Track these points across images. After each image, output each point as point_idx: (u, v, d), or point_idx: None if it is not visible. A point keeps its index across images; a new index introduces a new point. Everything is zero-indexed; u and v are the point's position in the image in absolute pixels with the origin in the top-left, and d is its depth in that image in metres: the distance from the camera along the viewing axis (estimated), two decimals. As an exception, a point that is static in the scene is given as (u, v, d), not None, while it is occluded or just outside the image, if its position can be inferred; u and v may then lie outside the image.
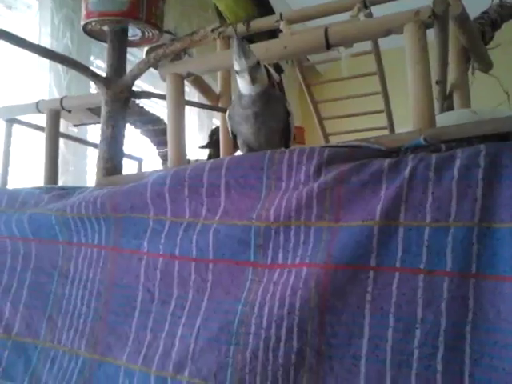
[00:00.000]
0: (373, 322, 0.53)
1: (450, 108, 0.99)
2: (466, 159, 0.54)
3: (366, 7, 1.06)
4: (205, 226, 0.66)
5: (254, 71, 0.69)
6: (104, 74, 0.89)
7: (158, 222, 0.69)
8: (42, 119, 1.14)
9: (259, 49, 0.76)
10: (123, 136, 0.86)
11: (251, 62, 0.68)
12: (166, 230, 0.68)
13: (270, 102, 0.73)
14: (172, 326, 0.63)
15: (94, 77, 0.83)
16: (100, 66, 1.87)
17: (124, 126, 0.86)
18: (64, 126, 1.26)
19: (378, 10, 1.03)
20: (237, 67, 0.69)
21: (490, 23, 1.00)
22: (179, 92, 0.82)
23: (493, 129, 0.57)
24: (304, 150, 0.64)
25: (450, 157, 0.55)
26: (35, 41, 1.63)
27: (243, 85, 0.71)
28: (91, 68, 1.82)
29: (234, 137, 0.80)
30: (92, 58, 1.85)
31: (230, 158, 0.68)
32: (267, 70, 1.15)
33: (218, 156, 1.34)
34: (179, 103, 0.83)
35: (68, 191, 0.81)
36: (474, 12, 0.98)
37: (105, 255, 0.73)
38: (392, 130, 1.36)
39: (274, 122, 0.76)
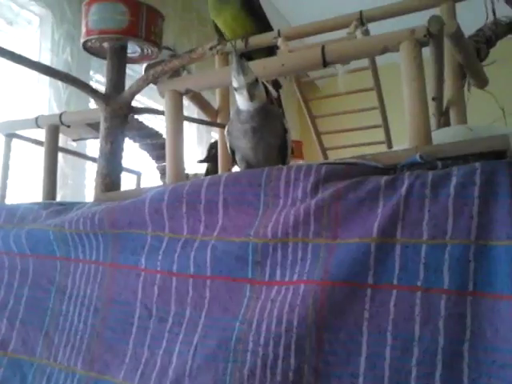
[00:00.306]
0: (370, 340, 0.53)
1: (447, 124, 1.00)
2: (461, 177, 0.55)
3: (362, 24, 1.07)
4: (203, 243, 0.66)
5: (252, 88, 0.70)
6: (103, 89, 0.89)
7: (156, 238, 0.69)
8: (41, 134, 1.15)
9: (257, 66, 0.77)
10: (122, 152, 0.86)
11: (249, 79, 0.70)
12: (163, 246, 0.69)
13: (268, 118, 0.74)
14: (169, 343, 0.63)
15: (94, 93, 0.84)
16: (100, 80, 1.89)
17: (123, 142, 0.86)
18: (63, 140, 1.27)
19: (374, 27, 1.05)
20: (235, 84, 0.70)
21: (485, 40, 1.01)
22: (178, 109, 0.83)
23: (488, 147, 0.57)
24: (301, 167, 0.64)
25: (446, 174, 0.56)
26: (35, 56, 1.65)
27: (241, 101, 0.72)
28: (91, 82, 1.84)
29: (233, 152, 0.80)
30: (91, 73, 1.87)
31: (228, 174, 0.68)
32: (265, 87, 1.16)
33: (217, 170, 1.34)
34: (178, 120, 0.83)
35: (66, 207, 0.81)
36: (469, 29, 1.00)
37: (102, 271, 0.73)
38: (389, 144, 1.37)
39: (271, 138, 0.76)
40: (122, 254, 0.72)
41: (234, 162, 0.83)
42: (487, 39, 1.02)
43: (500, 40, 1.02)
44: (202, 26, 2.41)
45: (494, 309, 0.50)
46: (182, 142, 0.86)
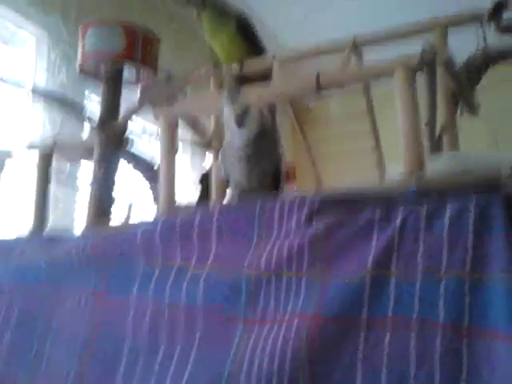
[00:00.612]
0: (365, 380, 0.52)
1: (439, 149, 1.00)
2: (456, 209, 0.55)
3: (356, 49, 1.08)
4: (195, 273, 0.65)
5: (241, 117, 0.71)
6: (99, 109, 0.89)
7: (148, 268, 0.68)
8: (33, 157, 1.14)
9: (252, 93, 0.77)
10: (115, 178, 0.86)
11: (239, 109, 0.70)
12: (155, 276, 0.68)
13: (262, 145, 0.74)
14: (159, 378, 0.62)
15: (88, 119, 0.84)
16: (95, 100, 1.89)
17: (116, 168, 0.86)
18: (55, 163, 1.26)
19: (368, 54, 1.06)
20: (226, 112, 0.71)
21: (477, 68, 1.02)
22: (172, 133, 0.83)
23: (482, 178, 0.57)
24: (295, 199, 0.64)
25: (441, 206, 0.56)
26: (31, 75, 1.65)
27: (233, 129, 0.72)
28: (86, 102, 1.84)
29: (227, 180, 0.80)
30: (87, 92, 1.87)
31: (221, 205, 0.68)
32: (260, 112, 1.17)
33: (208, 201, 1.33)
34: (172, 144, 0.83)
35: (57, 237, 0.80)
36: (460, 56, 1.01)
37: (92, 302, 0.71)
38: (383, 168, 1.38)
39: (266, 164, 0.76)
40: (113, 283, 0.71)
41: (227, 187, 0.83)
42: (478, 66, 1.03)
43: (491, 67, 1.03)
44: (197, 47, 2.42)
45: (490, 346, 0.49)
46: (175, 167, 0.85)
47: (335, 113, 0.89)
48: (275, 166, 0.78)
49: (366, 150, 1.34)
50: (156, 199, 1.57)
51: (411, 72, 0.68)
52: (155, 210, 1.56)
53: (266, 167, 0.76)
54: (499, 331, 0.49)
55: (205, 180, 1.30)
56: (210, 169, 1.18)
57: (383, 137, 1.30)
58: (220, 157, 0.78)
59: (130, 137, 1.20)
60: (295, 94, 0.78)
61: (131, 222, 1.56)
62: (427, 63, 0.70)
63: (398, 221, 0.56)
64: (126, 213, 1.60)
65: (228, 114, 0.70)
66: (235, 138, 0.73)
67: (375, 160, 1.33)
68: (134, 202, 1.60)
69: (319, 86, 0.72)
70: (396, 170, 0.80)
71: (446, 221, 0.54)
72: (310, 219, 0.61)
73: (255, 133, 0.72)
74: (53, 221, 1.51)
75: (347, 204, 0.62)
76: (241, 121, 0.70)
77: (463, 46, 1.01)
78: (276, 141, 0.79)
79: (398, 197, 0.61)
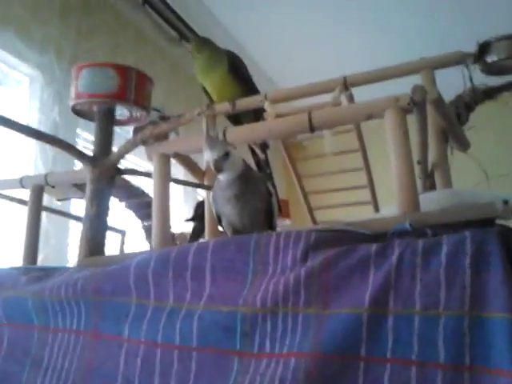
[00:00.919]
0: None
1: (432, 186, 1.02)
2: (452, 246, 0.54)
3: (346, 89, 1.10)
4: (189, 312, 0.63)
5: (220, 162, 0.72)
6: (90, 147, 0.89)
7: (141, 306, 0.67)
8: (24, 192, 1.13)
9: (245, 131, 0.78)
10: (107, 215, 0.85)
11: (217, 154, 0.72)
12: (148, 314, 0.66)
13: (249, 184, 0.76)
14: None
15: (80, 156, 0.84)
16: (87, 138, 1.90)
17: (108, 205, 0.85)
18: (47, 198, 1.25)
19: (358, 92, 1.08)
20: (206, 157, 0.73)
21: (465, 106, 1.05)
22: (165, 172, 0.83)
23: (476, 215, 0.58)
24: (290, 234, 0.63)
25: (437, 243, 0.56)
26: (24, 115, 1.65)
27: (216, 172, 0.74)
28: (78, 140, 1.85)
29: (219, 218, 0.80)
30: (79, 131, 1.88)
31: (216, 240, 0.67)
32: (252, 150, 1.18)
33: (203, 229, 1.33)
34: (165, 182, 0.83)
35: (47, 272, 0.78)
36: (448, 95, 1.03)
37: (83, 341, 0.69)
38: (376, 204, 1.38)
39: (256, 202, 0.77)
40: (105, 322, 0.69)
41: (220, 225, 0.83)
42: (466, 104, 1.05)
43: (479, 105, 1.05)
44: (189, 86, 2.47)
45: (495, 382, 0.48)
46: (169, 204, 0.85)
47: (328, 149, 0.90)
48: (266, 203, 0.78)
49: (359, 189, 1.35)
50: (148, 237, 1.56)
51: (402, 111, 0.70)
52: (148, 247, 1.55)
53: (256, 205, 0.77)
54: (504, 370, 0.48)
55: (200, 208, 1.30)
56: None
57: (377, 175, 1.31)
58: (211, 197, 0.79)
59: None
60: (288, 132, 0.78)
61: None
62: (417, 103, 0.71)
63: (395, 257, 0.56)
64: (120, 244, 1.58)
65: (207, 160, 0.73)
66: (220, 180, 0.75)
67: (369, 196, 1.34)
68: (127, 233, 1.59)
69: (312, 125, 0.73)
70: (389, 211, 0.80)
71: (443, 258, 0.54)
72: (305, 254, 0.61)
73: (236, 175, 0.74)
74: (44, 257, 1.49)
75: (343, 239, 0.62)
76: (220, 166, 0.72)
77: (450, 84, 1.04)
78: (264, 179, 0.80)
79: (394, 232, 0.61)
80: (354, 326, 0.55)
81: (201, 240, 1.29)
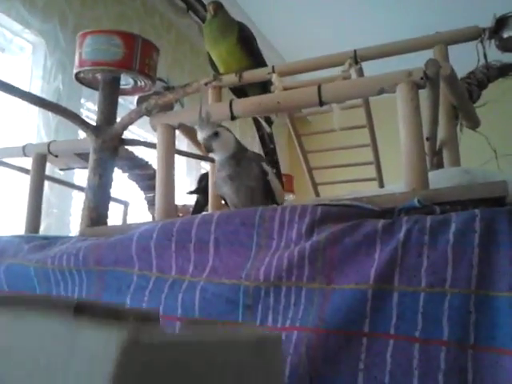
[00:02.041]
0: None
1: (440, 163, 1.00)
2: (461, 224, 0.53)
3: (356, 63, 1.08)
4: (191, 284, 0.63)
5: (209, 141, 0.73)
6: (94, 117, 0.87)
7: (143, 277, 0.66)
8: (27, 161, 1.12)
9: (252, 103, 0.76)
10: (110, 185, 0.84)
11: (206, 134, 0.72)
12: (150, 286, 0.66)
13: (242, 164, 0.76)
14: None
15: (84, 125, 0.82)
16: (90, 108, 1.88)
17: (112, 175, 0.84)
18: (49, 167, 1.24)
19: (368, 68, 1.05)
20: (199, 136, 0.74)
21: (477, 83, 1.02)
22: (170, 143, 0.81)
23: (487, 192, 0.56)
24: (296, 208, 0.62)
25: (445, 220, 0.55)
26: (26, 83, 1.63)
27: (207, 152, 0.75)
28: (81, 110, 1.83)
29: (224, 199, 0.81)
30: (83, 101, 1.86)
31: (221, 213, 0.66)
32: (258, 122, 1.16)
33: (207, 202, 1.32)
34: (170, 154, 0.82)
35: (50, 241, 0.77)
36: (460, 72, 1.01)
37: None
38: (381, 181, 1.37)
39: (251, 182, 0.77)
40: (106, 292, 0.68)
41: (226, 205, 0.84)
42: (479, 82, 1.03)
43: (491, 83, 1.03)
44: (194, 57, 2.43)
45: (496, 364, 0.48)
46: (174, 175, 0.84)
47: (336, 124, 0.88)
48: (263, 182, 0.79)
49: (364, 165, 1.33)
50: (151, 209, 1.56)
51: (415, 86, 0.68)
52: (150, 218, 1.55)
53: (250, 185, 0.77)
54: (507, 348, 0.47)
55: (203, 180, 1.29)
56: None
57: (383, 151, 1.29)
58: (214, 178, 0.79)
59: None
60: (296, 105, 0.77)
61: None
62: (430, 78, 0.69)
63: (402, 234, 0.55)
64: (122, 215, 1.58)
65: (199, 139, 0.73)
66: (216, 160, 0.76)
67: (373, 173, 1.33)
68: (130, 204, 1.59)
69: (321, 98, 0.71)
70: (394, 188, 0.79)
71: (451, 235, 0.53)
72: (311, 229, 0.60)
73: (228, 156, 0.75)
74: (46, 227, 1.49)
75: (350, 214, 0.61)
76: (209, 145, 0.73)
77: (463, 61, 1.02)
78: (259, 158, 0.81)
79: (401, 208, 0.60)
80: (358, 302, 0.54)
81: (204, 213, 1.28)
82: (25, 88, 1.61)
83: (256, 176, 0.78)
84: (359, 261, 0.57)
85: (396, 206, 0.60)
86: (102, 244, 0.69)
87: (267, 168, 0.80)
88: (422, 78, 0.68)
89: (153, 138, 0.89)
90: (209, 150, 0.73)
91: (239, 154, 0.76)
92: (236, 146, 0.75)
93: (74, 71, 0.87)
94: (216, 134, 0.73)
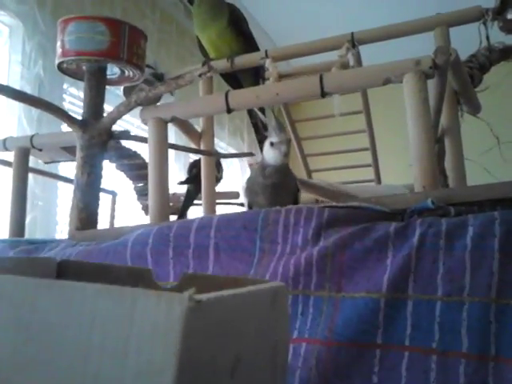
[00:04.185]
0: None
1: (442, 151, 0.97)
2: (479, 227, 0.50)
3: (353, 46, 1.03)
4: None
5: (288, 145, 0.72)
6: (79, 103, 0.82)
7: None
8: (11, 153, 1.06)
9: (249, 95, 0.71)
10: (100, 183, 0.79)
11: (286, 136, 0.72)
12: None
13: (287, 176, 0.76)
14: None
15: (69, 120, 0.77)
16: (74, 93, 1.80)
17: (101, 172, 0.79)
18: (33, 158, 1.18)
19: (365, 53, 1.01)
20: (275, 139, 0.71)
21: (479, 66, 0.99)
22: (162, 137, 0.77)
23: (505, 192, 0.53)
24: (301, 210, 0.59)
25: (462, 223, 0.51)
26: (4, 70, 1.55)
27: (274, 155, 0.72)
28: (64, 96, 1.75)
29: (250, 207, 0.78)
30: (65, 86, 1.78)
31: (221, 216, 0.62)
32: (251, 110, 1.11)
33: (198, 191, 1.28)
34: (162, 149, 0.77)
35: (37, 246, 0.73)
36: (461, 55, 0.97)
37: None
38: (377, 168, 1.34)
39: (286, 196, 0.76)
40: None
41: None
42: (481, 65, 0.99)
43: (493, 66, 0.99)
44: (181, 38, 2.34)
45: None
46: (167, 171, 0.80)
47: (336, 111, 0.84)
48: (293, 199, 0.79)
49: (360, 152, 1.30)
50: (140, 199, 1.51)
51: (423, 76, 0.64)
52: (139, 207, 1.50)
53: (286, 199, 0.76)
54: None
55: (194, 168, 1.24)
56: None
57: (378, 137, 1.26)
58: (245, 186, 0.78)
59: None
60: (297, 97, 0.72)
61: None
62: (439, 67, 0.65)
63: (416, 238, 0.52)
64: (110, 206, 1.53)
65: (276, 141, 0.72)
66: (268, 165, 0.73)
67: (369, 160, 1.29)
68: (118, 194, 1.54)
69: (323, 90, 0.67)
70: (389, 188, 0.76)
71: (469, 240, 0.50)
72: (318, 234, 0.57)
73: (280, 164, 0.74)
74: (31, 220, 1.43)
75: (358, 217, 0.58)
76: (287, 150, 0.72)
77: (464, 43, 0.97)
78: (295, 176, 0.80)
79: (414, 209, 0.57)
80: (370, 312, 0.51)
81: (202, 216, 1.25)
82: (3, 75, 1.53)
83: (292, 191, 0.78)
84: (370, 267, 0.53)
85: (407, 206, 0.57)
86: (93, 250, 0.65)
87: (300, 187, 0.81)
88: (430, 68, 0.64)
89: (140, 123, 0.84)
90: (286, 154, 0.71)
91: (286, 166, 0.75)
92: (287, 158, 0.74)
93: (56, 61, 0.81)
94: (289, 141, 0.72)
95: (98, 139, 0.77)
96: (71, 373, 0.25)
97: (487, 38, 0.96)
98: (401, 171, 1.29)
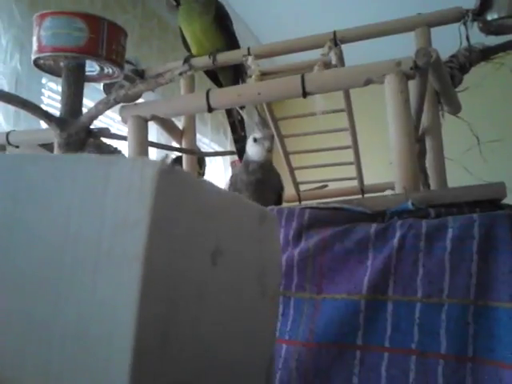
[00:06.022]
0: None
1: (422, 151, 0.98)
2: (458, 229, 0.51)
3: (336, 45, 1.03)
4: None
5: (271, 141, 0.73)
6: (58, 97, 0.80)
7: None
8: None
9: (230, 94, 0.71)
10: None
11: (270, 132, 0.74)
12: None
13: (270, 173, 0.77)
14: None
15: (47, 117, 0.75)
16: (53, 88, 1.76)
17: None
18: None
19: (347, 52, 1.01)
20: (258, 135, 0.73)
21: (459, 67, 1.00)
22: (142, 136, 0.75)
23: (484, 194, 0.54)
24: (282, 212, 0.59)
25: (442, 225, 0.52)
26: (-20, 63, 1.51)
27: (258, 151, 0.74)
28: (43, 91, 1.71)
29: None
30: (44, 81, 1.74)
31: None
32: (229, 109, 1.11)
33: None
34: (142, 148, 0.76)
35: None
36: (442, 55, 0.98)
37: None
38: (359, 166, 1.35)
39: (270, 193, 0.77)
40: None
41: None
42: (461, 65, 1.00)
43: (473, 67, 1.00)
44: (163, 33, 2.32)
45: (496, 378, 0.46)
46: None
47: (318, 109, 0.84)
48: (276, 196, 0.80)
49: (342, 150, 1.30)
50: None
51: (404, 77, 0.64)
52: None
53: (270, 196, 0.78)
54: (507, 362, 0.45)
55: (177, 163, 1.23)
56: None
57: (360, 135, 1.26)
58: (229, 182, 0.79)
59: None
60: (278, 97, 0.72)
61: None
62: (420, 68, 0.65)
63: (396, 240, 0.52)
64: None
65: (260, 137, 0.73)
66: (252, 161, 0.74)
67: (352, 159, 1.30)
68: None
69: (305, 90, 0.66)
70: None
71: (448, 242, 0.51)
72: (298, 235, 0.57)
73: (263, 160, 0.75)
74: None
75: (339, 218, 0.58)
76: (270, 146, 0.74)
77: (445, 44, 0.98)
78: (278, 174, 0.81)
79: (394, 211, 0.57)
80: (350, 313, 0.52)
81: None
82: (-21, 69, 1.49)
83: (276, 188, 0.79)
84: (351, 268, 0.54)
85: (388, 208, 0.57)
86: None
87: (283, 184, 0.82)
88: (411, 69, 0.64)
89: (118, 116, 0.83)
90: (269, 149, 0.72)
91: (270, 162, 0.76)
92: (271, 154, 0.75)
93: (33, 57, 0.79)
94: (273, 137, 0.74)
95: (75, 137, 0.76)
96: (54, 233, 0.26)
97: (467, 38, 0.96)
98: (382, 169, 1.30)
